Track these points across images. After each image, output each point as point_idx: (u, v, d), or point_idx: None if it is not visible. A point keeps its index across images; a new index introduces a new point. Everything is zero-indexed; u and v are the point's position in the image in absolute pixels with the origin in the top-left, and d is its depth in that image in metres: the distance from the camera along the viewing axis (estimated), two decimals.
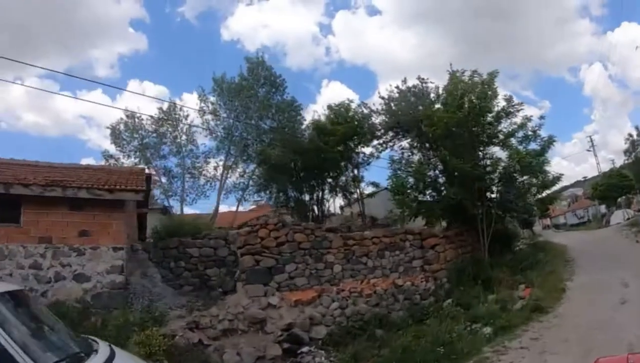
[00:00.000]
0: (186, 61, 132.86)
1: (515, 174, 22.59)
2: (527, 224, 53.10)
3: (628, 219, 48.99)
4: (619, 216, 53.12)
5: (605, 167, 68.66)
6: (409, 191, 23.06)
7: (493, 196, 23.65)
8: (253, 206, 35.98)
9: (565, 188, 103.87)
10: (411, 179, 23.23)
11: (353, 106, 27.42)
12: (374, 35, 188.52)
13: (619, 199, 65.13)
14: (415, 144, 25.18)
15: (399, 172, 23.46)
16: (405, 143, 25.79)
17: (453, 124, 21.43)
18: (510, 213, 25.13)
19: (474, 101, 21.81)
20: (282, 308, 15.83)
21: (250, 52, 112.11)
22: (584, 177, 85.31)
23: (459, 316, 15.89)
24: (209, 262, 19.73)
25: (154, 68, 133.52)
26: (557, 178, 24.13)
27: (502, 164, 22.77)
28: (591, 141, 70.24)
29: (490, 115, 22.67)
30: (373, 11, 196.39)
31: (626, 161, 43.09)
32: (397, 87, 25.74)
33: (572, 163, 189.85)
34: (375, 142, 26.92)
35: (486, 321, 15.01)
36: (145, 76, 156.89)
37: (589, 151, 71.00)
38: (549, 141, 23.42)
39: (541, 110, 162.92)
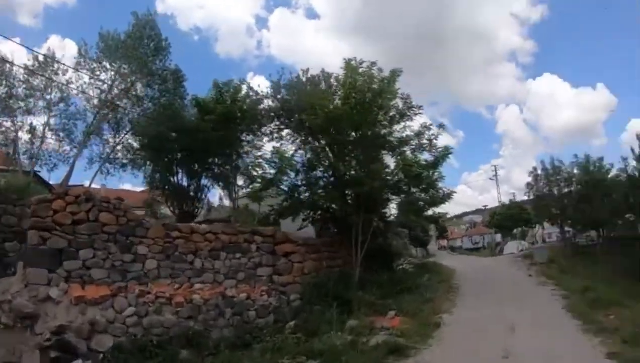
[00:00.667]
0: (115, 26, 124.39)
1: (402, 185, 18.62)
2: (422, 243, 50.97)
3: (521, 250, 47.07)
4: (512, 247, 51.39)
5: (506, 199, 67.31)
6: (265, 184, 18.43)
7: (377, 206, 19.56)
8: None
9: (466, 213, 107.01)
10: (273, 171, 18.59)
11: (244, 88, 22.12)
12: (308, 38, 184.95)
13: (515, 231, 64.45)
14: (294, 135, 20.49)
15: (259, 161, 18.81)
16: (287, 134, 20.94)
17: (336, 116, 17.14)
18: (394, 228, 21.08)
19: (366, 94, 17.78)
20: (61, 304, 11.15)
21: (182, 30, 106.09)
22: (485, 206, 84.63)
23: (293, 347, 11.63)
24: (8, 234, 15.00)
25: (80, 27, 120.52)
26: (448, 196, 20.49)
27: (388, 171, 18.91)
28: (495, 170, 69.37)
29: (382, 113, 18.75)
30: (312, 14, 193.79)
31: (527, 194, 40.63)
32: (296, 76, 20.85)
33: (475, 192, 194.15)
34: (263, 131, 21.83)
35: (324, 359, 10.76)
36: (68, 33, 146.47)
37: (491, 179, 69.27)
38: (444, 153, 19.57)
39: (455, 139, 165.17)
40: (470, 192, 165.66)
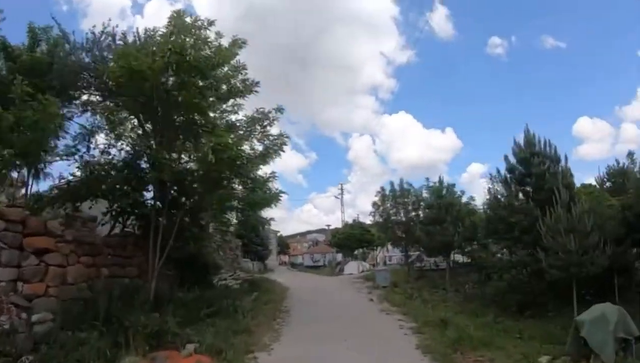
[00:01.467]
0: None
1: (215, 173, 13.74)
2: (260, 257, 47.62)
3: (362, 271, 44.35)
4: (353, 267, 48.39)
5: (350, 221, 64.10)
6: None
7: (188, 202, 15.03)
8: None
9: (310, 232, 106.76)
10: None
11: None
12: None
13: (356, 251, 61.51)
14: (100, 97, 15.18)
15: None
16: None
17: (141, 72, 12.20)
18: (209, 233, 16.62)
19: (190, 52, 12.89)
20: None
21: None
22: (328, 225, 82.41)
23: None
24: None
25: None
26: (276, 197, 16.50)
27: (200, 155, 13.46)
28: (341, 188, 66.63)
29: (208, 82, 13.99)
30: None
31: (372, 214, 37.16)
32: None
33: (321, 212, 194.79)
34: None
35: None
36: None
37: (337, 198, 66.66)
38: (279, 141, 15.26)
39: (307, 159, 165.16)
40: (316, 211, 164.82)
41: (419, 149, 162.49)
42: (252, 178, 15.08)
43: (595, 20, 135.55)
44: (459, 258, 29.37)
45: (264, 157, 14.74)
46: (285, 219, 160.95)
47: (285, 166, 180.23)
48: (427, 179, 31.83)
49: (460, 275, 26.15)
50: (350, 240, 57.38)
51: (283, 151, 15.12)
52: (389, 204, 35.41)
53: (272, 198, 16.26)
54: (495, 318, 15.48)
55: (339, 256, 64.42)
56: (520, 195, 17.98)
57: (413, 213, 33.45)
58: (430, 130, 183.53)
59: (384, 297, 22.70)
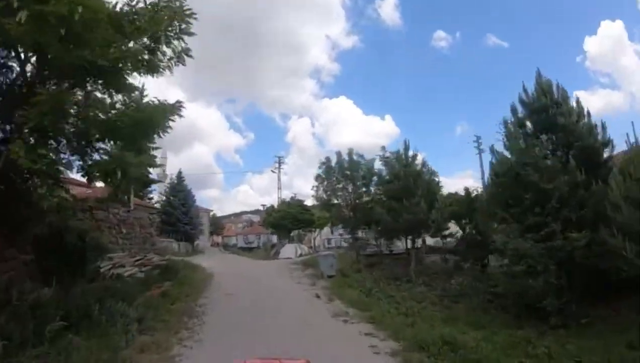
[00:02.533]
0: None
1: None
2: (187, 237, 45.84)
3: (300, 255, 38.67)
4: (290, 250, 42.24)
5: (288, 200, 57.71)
6: None
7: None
8: None
9: (245, 212, 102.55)
10: None
11: None
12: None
13: (292, 233, 54.68)
14: None
15: None
16: None
17: None
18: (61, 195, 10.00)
19: None
20: None
21: None
22: (263, 205, 76.20)
23: None
24: None
25: None
26: (166, 111, 9.19)
27: None
28: (279, 161, 59.36)
29: None
30: None
31: (315, 188, 30.58)
32: None
33: (257, 193, 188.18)
34: None
35: None
36: None
37: (274, 172, 59.25)
38: (179, 23, 9.08)
39: (245, 139, 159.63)
40: (252, 192, 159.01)
41: (358, 134, 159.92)
42: (128, 86, 9.11)
43: (538, 23, 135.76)
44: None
45: (153, 53, 8.84)
46: (220, 199, 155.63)
47: (222, 144, 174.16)
48: (384, 148, 26.37)
49: (422, 264, 21.16)
50: (286, 220, 50.37)
51: (188, 55, 9.22)
52: (334, 179, 29.75)
53: (158, 114, 9.02)
54: (515, 332, 10.40)
55: (274, 238, 58.80)
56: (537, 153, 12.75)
57: (364, 189, 28.42)
58: (369, 116, 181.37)
59: (334, 292, 16.97)
